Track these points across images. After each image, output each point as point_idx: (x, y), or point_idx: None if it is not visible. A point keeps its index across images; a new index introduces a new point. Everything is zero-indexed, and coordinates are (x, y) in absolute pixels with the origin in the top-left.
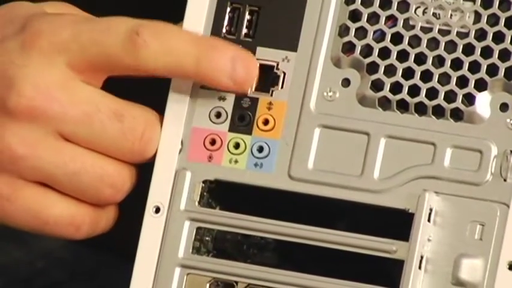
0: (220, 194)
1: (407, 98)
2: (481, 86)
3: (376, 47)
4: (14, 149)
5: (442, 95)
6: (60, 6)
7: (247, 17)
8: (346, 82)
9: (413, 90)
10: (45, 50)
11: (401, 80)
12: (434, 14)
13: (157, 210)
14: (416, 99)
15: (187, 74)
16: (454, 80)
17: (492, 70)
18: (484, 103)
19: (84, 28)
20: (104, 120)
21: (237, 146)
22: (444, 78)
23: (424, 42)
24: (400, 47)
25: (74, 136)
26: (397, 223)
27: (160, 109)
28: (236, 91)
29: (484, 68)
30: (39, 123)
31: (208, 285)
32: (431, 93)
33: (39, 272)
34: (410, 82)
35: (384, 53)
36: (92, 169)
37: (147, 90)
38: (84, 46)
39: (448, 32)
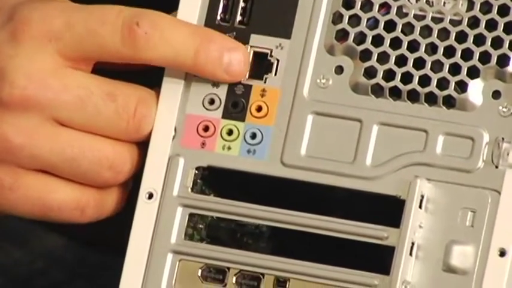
0: (213, 181)
1: (400, 85)
2: (473, 73)
3: (370, 35)
4: (10, 139)
5: (434, 83)
6: None
7: (241, 4)
8: (339, 69)
9: (406, 78)
10: (35, 38)
11: (394, 67)
12: (427, 2)
13: (150, 196)
14: (409, 87)
15: (185, 65)
16: (446, 68)
17: (485, 58)
18: (476, 90)
19: (78, 17)
20: (98, 102)
21: (230, 132)
22: (437, 66)
23: (417, 30)
24: (393, 35)
25: (69, 121)
26: (390, 210)
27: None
28: (229, 82)
29: (476, 55)
30: (34, 112)
31: (200, 271)
32: (424, 81)
33: (39, 272)
34: (403, 69)
35: (377, 41)
36: (89, 153)
37: (137, 75)
38: (79, 36)
39: (441, 20)
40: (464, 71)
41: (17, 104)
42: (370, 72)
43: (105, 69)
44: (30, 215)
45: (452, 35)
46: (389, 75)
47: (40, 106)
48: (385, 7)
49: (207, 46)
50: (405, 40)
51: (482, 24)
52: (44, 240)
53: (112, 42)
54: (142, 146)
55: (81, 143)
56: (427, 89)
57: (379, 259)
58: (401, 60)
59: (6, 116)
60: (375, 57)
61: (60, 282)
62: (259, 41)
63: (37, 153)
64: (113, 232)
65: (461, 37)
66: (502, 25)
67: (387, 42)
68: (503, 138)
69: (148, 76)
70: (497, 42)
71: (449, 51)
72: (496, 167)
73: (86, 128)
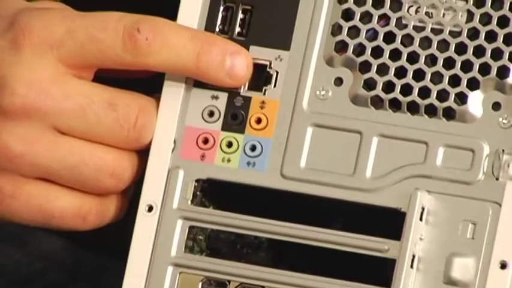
0: (213, 193)
1: (400, 97)
2: (473, 85)
3: (369, 46)
4: (11, 148)
5: (434, 94)
6: (50, 3)
7: (240, 16)
8: (338, 81)
9: (406, 89)
10: (36, 45)
11: (394, 79)
12: (426, 13)
13: (150, 208)
14: (409, 98)
15: (187, 70)
16: (446, 79)
17: (484, 69)
18: (476, 102)
19: (79, 24)
20: (99, 111)
21: (229, 144)
22: (436, 77)
23: (416, 41)
24: (392, 46)
25: (69, 129)
26: (390, 223)
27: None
28: (231, 86)
29: (476, 67)
30: (35, 120)
31: (200, 284)
32: (424, 92)
33: (38, 274)
34: (403, 81)
35: (377, 52)
36: (90, 161)
37: (138, 84)
38: (80, 43)
39: (441, 31)
40: (464, 82)
41: (18, 112)
42: (369, 84)
43: (106, 77)
44: (32, 223)
45: (452, 47)
46: (389, 87)
47: (41, 114)
48: (384, 18)
49: (209, 50)
50: (405, 52)
51: (482, 35)
52: (43, 242)
53: (113, 48)
54: (143, 153)
55: (82, 151)
56: (427, 101)
57: (380, 272)
58: (401, 72)
59: (6, 124)
60: (374, 68)
61: (59, 283)
62: (258, 53)
63: (38, 162)
64: (112, 234)
65: (461, 48)
66: (502, 36)
67: (387, 53)
68: (503, 150)
69: (148, 85)
70: (497, 54)
71: (449, 63)
72: (497, 179)
73: (86, 136)
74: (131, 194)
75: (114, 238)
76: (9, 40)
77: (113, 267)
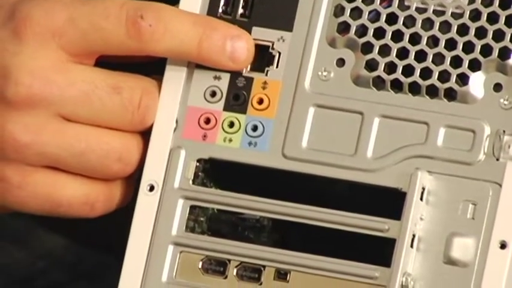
0: (214, 173)
1: (402, 78)
2: (475, 66)
3: (371, 27)
4: (18, 138)
5: (436, 75)
6: None
7: None
8: (340, 62)
9: (408, 70)
10: (37, 34)
11: (396, 60)
12: None
13: (152, 188)
14: (411, 79)
15: (189, 55)
16: (448, 60)
17: (486, 50)
18: (477, 83)
19: (81, 12)
20: (103, 96)
21: (231, 124)
22: (438, 58)
23: (418, 23)
24: (394, 27)
25: (75, 116)
26: (391, 203)
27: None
28: (233, 70)
29: (478, 48)
30: (40, 109)
31: (201, 263)
32: (426, 73)
33: (39, 273)
34: (405, 62)
35: (379, 33)
36: (97, 146)
37: (139, 66)
38: (83, 31)
39: (443, 13)
40: (465, 63)
41: (23, 102)
42: (371, 65)
43: (107, 61)
44: (40, 212)
45: (454, 28)
46: (390, 67)
47: (46, 103)
48: (386, 0)
49: (211, 35)
50: (407, 33)
51: (484, 17)
52: (45, 241)
53: (117, 36)
54: (148, 136)
55: (89, 137)
56: (428, 82)
57: (380, 251)
58: (402, 53)
59: (12, 114)
60: (376, 49)
61: (60, 282)
62: (261, 34)
63: (45, 150)
64: (113, 232)
65: (462, 30)
66: (504, 18)
67: (389, 35)
68: (504, 131)
69: (150, 68)
70: (498, 35)
71: (450, 44)
72: (497, 159)
73: (92, 122)
74: (136, 179)
75: (116, 236)
76: (10, 30)
77: (114, 265)
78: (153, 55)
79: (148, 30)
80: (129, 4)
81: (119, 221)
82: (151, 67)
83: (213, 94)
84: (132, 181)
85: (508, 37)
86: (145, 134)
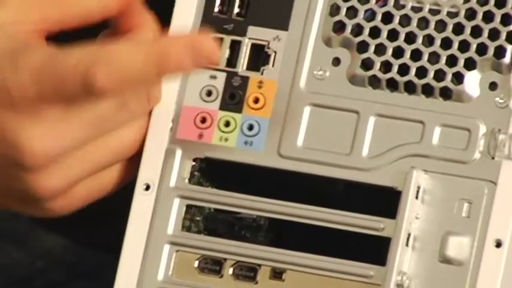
0: (210, 173)
1: (397, 77)
2: (470, 65)
3: (367, 26)
4: (52, 189)
5: (431, 74)
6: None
7: None
8: (336, 61)
9: (403, 69)
10: (21, 108)
11: (391, 59)
12: None
13: (148, 187)
14: (406, 78)
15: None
16: (443, 59)
17: (481, 49)
18: (473, 82)
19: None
20: (116, 121)
21: (227, 124)
22: (434, 57)
23: (414, 22)
24: (390, 26)
25: (96, 145)
26: (386, 202)
27: None
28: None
29: (473, 47)
30: (61, 158)
31: (197, 262)
32: (421, 72)
33: (39, 272)
34: (400, 61)
35: (374, 32)
36: (114, 150)
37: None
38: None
39: (438, 12)
40: (461, 62)
41: (45, 164)
42: (367, 64)
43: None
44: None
45: (449, 27)
46: (386, 66)
47: (65, 151)
48: None
49: (165, 62)
50: (402, 32)
51: (479, 16)
52: (44, 241)
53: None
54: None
55: (104, 152)
56: (423, 81)
57: (376, 250)
58: (398, 52)
59: (39, 175)
60: (372, 49)
61: (59, 282)
62: (257, 33)
63: (78, 178)
64: (112, 232)
65: (458, 29)
66: (499, 17)
67: (384, 34)
68: (499, 130)
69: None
70: (494, 34)
71: (446, 43)
72: (492, 158)
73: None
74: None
75: (115, 236)
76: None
77: (113, 265)
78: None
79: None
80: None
81: (117, 221)
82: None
83: (209, 93)
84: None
85: (503, 36)
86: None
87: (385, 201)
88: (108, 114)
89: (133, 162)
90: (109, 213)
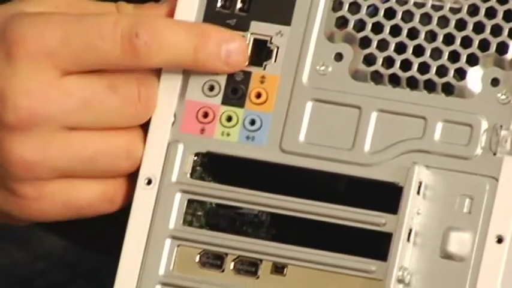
0: (212, 167)
1: (399, 73)
2: (472, 60)
3: (369, 22)
4: (26, 158)
5: (433, 70)
6: (43, 4)
7: None
8: (338, 56)
9: (405, 65)
10: (31, 55)
11: (394, 55)
12: None
13: (149, 182)
14: (408, 74)
15: (185, 65)
16: (445, 55)
17: (484, 45)
18: (475, 78)
19: (75, 31)
20: (102, 99)
21: (229, 119)
22: (436, 53)
23: (416, 17)
24: (392, 22)
25: (79, 124)
26: (388, 197)
27: None
28: (229, 73)
29: (475, 43)
30: (43, 126)
31: (198, 257)
32: (423, 68)
33: (39, 273)
34: (403, 56)
35: (377, 28)
36: (105, 149)
37: None
38: (77, 51)
39: (441, 8)
40: (463, 58)
41: (25, 123)
42: (369, 60)
43: None
44: (63, 218)
45: (452, 23)
46: (388, 62)
47: (47, 120)
48: None
49: (205, 43)
50: (405, 27)
51: (482, 12)
52: (44, 242)
53: (112, 55)
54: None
55: (95, 142)
56: (426, 76)
57: (377, 246)
58: (400, 48)
59: (16, 137)
60: (374, 44)
61: (60, 283)
62: (260, 28)
63: (55, 164)
64: (112, 233)
65: (460, 25)
66: (502, 13)
67: (387, 29)
68: (501, 126)
69: None
70: (496, 30)
71: (448, 39)
72: (494, 154)
73: (96, 126)
74: None
75: (115, 237)
76: (3, 51)
77: (113, 266)
78: (148, 68)
79: (144, 47)
80: (123, 22)
81: (117, 222)
82: None
83: (211, 88)
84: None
85: (505, 32)
86: (148, 127)
87: (386, 196)
88: (98, 92)
89: (115, 196)
90: (108, 215)
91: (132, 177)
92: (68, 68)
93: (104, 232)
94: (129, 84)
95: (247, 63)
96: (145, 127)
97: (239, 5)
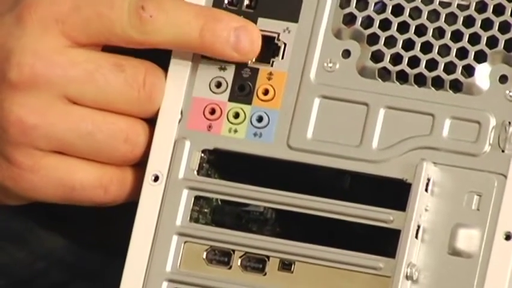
0: (219, 164)
1: (407, 69)
2: (480, 57)
3: (377, 19)
4: (24, 120)
5: (441, 67)
6: None
7: None
8: (346, 53)
9: (413, 62)
10: (41, 19)
11: (402, 52)
12: None
13: (156, 178)
14: (416, 71)
15: (192, 46)
16: (453, 52)
17: (492, 42)
18: (483, 75)
19: (86, 0)
20: (106, 74)
21: (236, 115)
22: (444, 50)
23: (424, 14)
24: (400, 19)
25: (80, 97)
26: (396, 194)
27: None
28: (240, 61)
29: (484, 40)
30: (44, 90)
31: (205, 253)
32: (431, 65)
33: (40, 273)
34: (410, 53)
35: (385, 25)
36: (104, 126)
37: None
38: (87, 19)
39: (449, 4)
40: (471, 55)
41: (26, 82)
42: (377, 56)
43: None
44: (54, 198)
45: (460, 20)
46: (396, 59)
47: (49, 83)
48: None
49: (213, 25)
50: (413, 24)
51: (490, 9)
52: (45, 241)
53: (119, 25)
54: (154, 121)
55: (94, 117)
56: (434, 73)
57: (385, 242)
58: (408, 44)
59: (16, 96)
60: (382, 41)
61: (60, 283)
62: (267, 25)
63: (52, 132)
64: (113, 233)
65: (468, 21)
66: (510, 10)
67: (395, 26)
68: (509, 122)
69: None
70: (504, 27)
71: (456, 36)
72: (503, 151)
73: (97, 102)
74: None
75: (116, 237)
76: (15, 15)
77: (114, 266)
78: (154, 46)
79: (149, 21)
80: None
81: (118, 221)
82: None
83: (218, 85)
84: (143, 170)
85: None
86: (151, 120)
87: (394, 193)
88: (103, 67)
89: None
90: (110, 214)
91: (131, 173)
92: (76, 36)
93: (105, 231)
94: (136, 68)
95: (254, 59)
96: (150, 121)
97: (246, 1)
